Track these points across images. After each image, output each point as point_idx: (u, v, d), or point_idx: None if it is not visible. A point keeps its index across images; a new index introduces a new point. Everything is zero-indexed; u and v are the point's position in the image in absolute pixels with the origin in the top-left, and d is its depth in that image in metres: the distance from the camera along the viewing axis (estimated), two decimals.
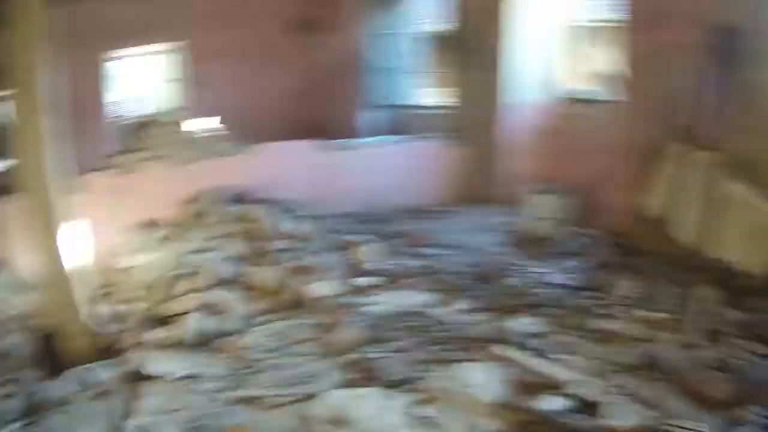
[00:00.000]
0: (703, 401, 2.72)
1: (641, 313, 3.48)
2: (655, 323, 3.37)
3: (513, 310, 3.67)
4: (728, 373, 2.84)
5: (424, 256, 4.67)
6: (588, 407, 2.76)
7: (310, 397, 2.91)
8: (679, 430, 2.53)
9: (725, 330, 3.22)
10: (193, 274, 3.99)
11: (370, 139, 6.27)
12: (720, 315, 3.36)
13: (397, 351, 3.27)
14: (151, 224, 4.45)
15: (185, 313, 3.66)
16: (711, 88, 3.81)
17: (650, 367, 2.99)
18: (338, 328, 3.44)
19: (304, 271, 4.20)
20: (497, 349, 3.24)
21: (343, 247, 4.73)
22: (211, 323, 3.58)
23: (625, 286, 3.87)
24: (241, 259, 4.34)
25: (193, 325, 3.49)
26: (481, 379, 2.98)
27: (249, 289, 4.05)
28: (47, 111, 3.08)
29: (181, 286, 3.90)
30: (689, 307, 3.44)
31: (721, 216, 3.75)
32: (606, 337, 3.33)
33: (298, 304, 3.87)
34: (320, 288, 3.95)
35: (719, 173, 3.67)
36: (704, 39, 3.82)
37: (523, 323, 3.50)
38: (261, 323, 3.68)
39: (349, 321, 3.54)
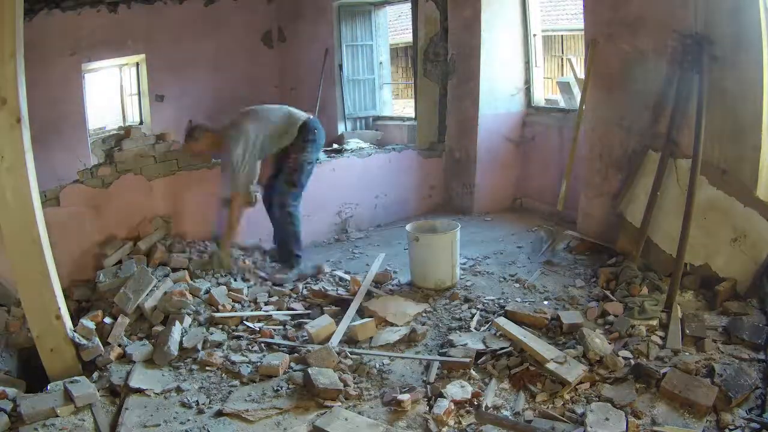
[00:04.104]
0: (690, 407, 2.71)
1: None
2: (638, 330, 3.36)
3: None
4: (714, 378, 2.84)
5: None
6: None
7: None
8: None
9: (709, 336, 3.23)
10: (173, 286, 3.94)
11: (345, 150, 6.21)
12: (703, 321, 3.36)
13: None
14: (128, 237, 4.43)
15: (167, 325, 3.62)
16: (685, 95, 3.82)
17: (635, 374, 2.98)
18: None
19: None
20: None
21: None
22: (194, 335, 3.55)
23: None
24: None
25: (176, 337, 3.46)
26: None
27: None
28: (27, 124, 3.04)
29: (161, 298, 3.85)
30: (673, 313, 3.44)
31: (701, 223, 3.75)
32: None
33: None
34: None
35: (698, 180, 3.67)
36: (675, 46, 3.83)
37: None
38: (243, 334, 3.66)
39: None
